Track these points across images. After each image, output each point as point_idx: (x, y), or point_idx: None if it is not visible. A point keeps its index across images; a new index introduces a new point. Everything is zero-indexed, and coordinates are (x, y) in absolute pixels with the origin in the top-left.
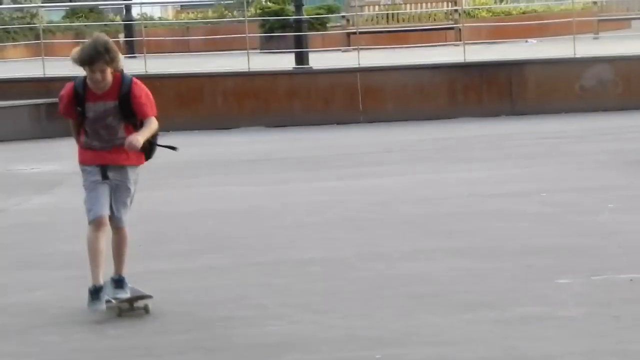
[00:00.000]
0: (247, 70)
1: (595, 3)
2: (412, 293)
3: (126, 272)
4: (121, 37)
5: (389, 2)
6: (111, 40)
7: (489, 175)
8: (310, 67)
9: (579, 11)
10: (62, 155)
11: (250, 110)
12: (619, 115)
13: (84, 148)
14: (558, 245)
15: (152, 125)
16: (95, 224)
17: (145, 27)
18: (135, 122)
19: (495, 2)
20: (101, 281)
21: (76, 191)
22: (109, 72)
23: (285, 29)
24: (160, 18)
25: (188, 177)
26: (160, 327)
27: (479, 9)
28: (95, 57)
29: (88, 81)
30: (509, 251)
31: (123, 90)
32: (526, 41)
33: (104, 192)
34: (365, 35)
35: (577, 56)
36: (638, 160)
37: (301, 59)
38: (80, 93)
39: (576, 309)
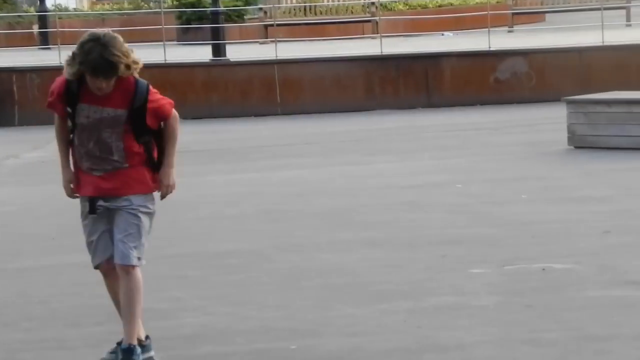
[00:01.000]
0: (163, 62)
1: None
2: (328, 284)
3: (141, 336)
4: (35, 29)
5: None
6: (120, 38)
7: (405, 167)
8: (228, 59)
9: (494, 4)
10: None
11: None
12: (532, 107)
13: (73, 167)
14: (472, 235)
15: (176, 135)
16: (101, 271)
17: (59, 18)
18: (147, 139)
19: None
20: (141, 336)
21: None
22: (114, 78)
23: (202, 21)
24: (75, 9)
25: None
26: (74, 319)
27: (395, 1)
28: (106, 71)
29: (90, 85)
30: (424, 242)
31: (137, 101)
32: (442, 34)
33: (99, 233)
34: (283, 27)
35: (492, 49)
36: (551, 152)
37: (218, 51)
38: (74, 90)
39: (489, 298)
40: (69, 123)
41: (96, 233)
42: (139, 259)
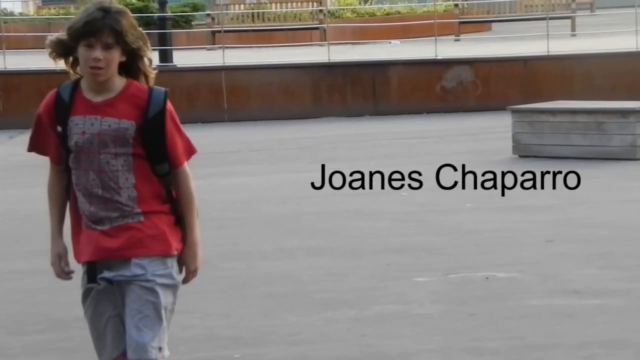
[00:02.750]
0: None
1: (456, 5)
2: (273, 292)
3: None
4: None
5: (254, 1)
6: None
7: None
8: (175, 65)
9: (441, 13)
10: None
11: None
12: (478, 116)
13: (73, 224)
14: (416, 244)
15: (193, 196)
16: None
17: (5, 22)
18: (167, 172)
19: (360, 3)
20: None
21: None
22: (117, 57)
23: (150, 26)
24: (20, 14)
25: (45, 175)
26: (16, 327)
27: (343, 9)
28: (107, 28)
29: (82, 71)
30: (369, 250)
31: (152, 109)
32: (390, 42)
33: (105, 319)
34: (231, 33)
35: (438, 57)
36: (496, 160)
37: (165, 56)
38: (66, 100)
39: (433, 306)
40: (63, 155)
41: (101, 319)
42: (159, 349)
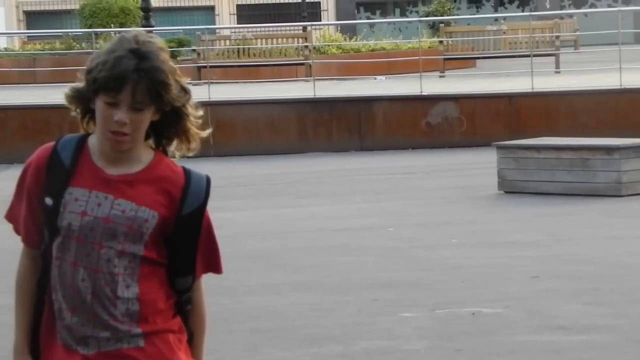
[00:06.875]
0: None
1: (441, 42)
2: (259, 327)
3: None
4: None
5: (240, 37)
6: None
7: (337, 210)
8: None
9: (426, 49)
10: None
11: None
12: (463, 152)
13: (45, 325)
14: (403, 279)
15: (206, 316)
16: None
17: None
18: (186, 286)
19: (345, 39)
20: None
21: None
22: (148, 120)
23: None
24: (6, 49)
25: None
26: None
27: (329, 45)
28: (131, 75)
29: (98, 129)
30: (355, 285)
31: (190, 201)
32: (375, 78)
33: None
34: (216, 69)
35: (423, 94)
36: (481, 196)
37: None
38: (65, 164)
39: (419, 342)
40: (45, 235)
41: None
42: None
